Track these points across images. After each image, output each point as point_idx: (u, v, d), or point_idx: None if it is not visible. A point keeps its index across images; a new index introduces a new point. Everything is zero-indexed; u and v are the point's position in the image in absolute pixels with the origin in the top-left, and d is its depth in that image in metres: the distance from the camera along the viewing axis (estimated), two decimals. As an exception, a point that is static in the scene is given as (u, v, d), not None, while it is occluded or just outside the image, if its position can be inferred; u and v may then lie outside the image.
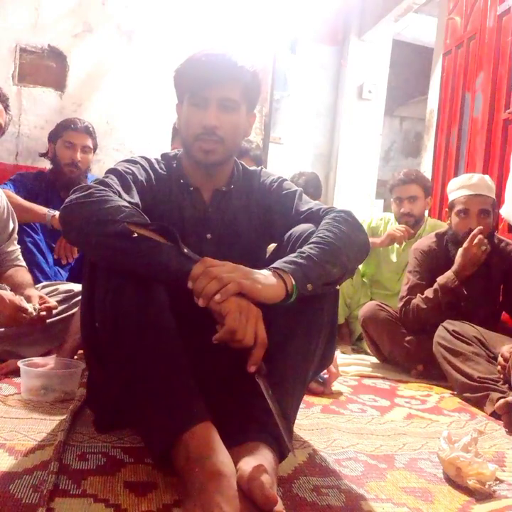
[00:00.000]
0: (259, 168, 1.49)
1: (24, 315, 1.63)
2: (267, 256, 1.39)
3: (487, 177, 2.25)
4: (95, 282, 1.12)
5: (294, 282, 1.05)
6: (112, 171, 1.26)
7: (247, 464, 0.93)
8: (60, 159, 2.46)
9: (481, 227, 2.10)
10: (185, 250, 1.05)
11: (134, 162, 1.33)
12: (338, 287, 1.23)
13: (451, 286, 2.13)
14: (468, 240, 2.09)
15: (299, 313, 1.13)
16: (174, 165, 1.39)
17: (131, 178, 1.25)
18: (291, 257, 1.11)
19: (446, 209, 2.32)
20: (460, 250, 2.13)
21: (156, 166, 1.37)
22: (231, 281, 1.00)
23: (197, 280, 1.00)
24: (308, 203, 1.36)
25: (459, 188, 2.22)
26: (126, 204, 1.12)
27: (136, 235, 1.04)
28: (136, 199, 1.23)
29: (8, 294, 1.66)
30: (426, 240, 2.40)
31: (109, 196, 1.11)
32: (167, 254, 1.04)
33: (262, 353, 1.00)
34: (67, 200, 1.12)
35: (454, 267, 2.14)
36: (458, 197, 2.20)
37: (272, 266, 1.09)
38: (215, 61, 1.27)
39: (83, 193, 1.11)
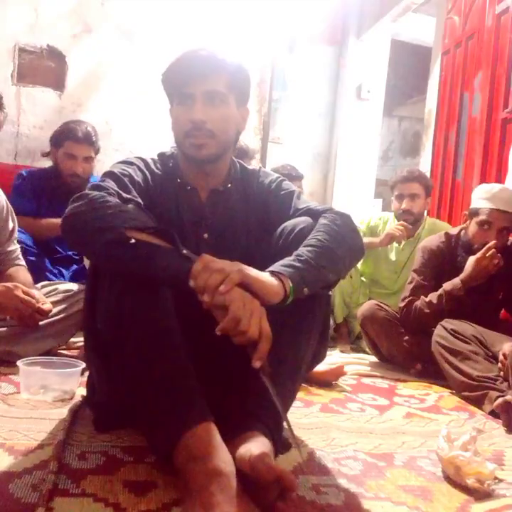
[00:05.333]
0: (258, 167, 1.49)
1: (32, 300, 1.65)
2: None
3: None
4: (98, 284, 1.13)
5: (291, 285, 1.06)
6: (109, 175, 1.25)
7: (246, 447, 0.94)
8: (62, 168, 2.49)
9: (496, 241, 2.08)
10: (185, 251, 1.04)
11: (130, 163, 1.32)
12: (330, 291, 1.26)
13: (457, 294, 2.12)
14: (482, 251, 2.07)
15: (292, 314, 1.13)
16: (171, 164, 1.38)
17: (129, 180, 1.25)
18: (288, 260, 1.11)
19: (465, 212, 2.28)
20: (471, 259, 2.10)
21: (152, 166, 1.36)
22: (233, 271, 1.00)
23: (198, 276, 1.00)
24: (306, 203, 1.36)
25: (488, 198, 2.15)
26: (125, 208, 1.11)
27: (133, 240, 1.03)
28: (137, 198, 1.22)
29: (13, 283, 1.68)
30: (435, 238, 2.36)
31: (107, 201, 1.11)
32: (166, 257, 1.04)
33: (268, 347, 0.99)
34: (66, 211, 1.13)
35: (462, 276, 2.12)
36: (484, 207, 2.15)
37: (269, 269, 1.08)
38: (195, 56, 1.28)
39: (80, 202, 1.11)
